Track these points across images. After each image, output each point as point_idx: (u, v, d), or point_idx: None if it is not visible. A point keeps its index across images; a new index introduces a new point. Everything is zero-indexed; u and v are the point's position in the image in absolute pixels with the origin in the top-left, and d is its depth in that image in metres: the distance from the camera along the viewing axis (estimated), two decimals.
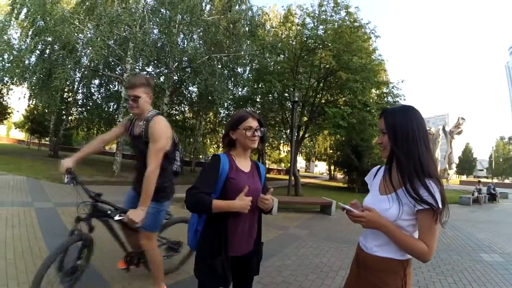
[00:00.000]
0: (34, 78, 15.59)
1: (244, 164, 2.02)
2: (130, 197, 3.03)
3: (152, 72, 18.49)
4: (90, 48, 14.13)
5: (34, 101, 22.14)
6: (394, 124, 1.48)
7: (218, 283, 1.83)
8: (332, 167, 42.45)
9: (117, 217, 2.53)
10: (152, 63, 17.97)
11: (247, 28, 18.29)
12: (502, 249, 6.84)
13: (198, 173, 2.11)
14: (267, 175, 2.33)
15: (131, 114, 2.96)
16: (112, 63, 17.14)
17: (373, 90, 17.52)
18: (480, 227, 9.70)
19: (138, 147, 2.81)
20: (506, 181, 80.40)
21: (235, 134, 1.98)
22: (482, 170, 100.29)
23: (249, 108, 18.37)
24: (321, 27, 15.86)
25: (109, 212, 2.64)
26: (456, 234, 8.14)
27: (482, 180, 24.96)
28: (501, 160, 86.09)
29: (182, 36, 17.59)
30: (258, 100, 20.05)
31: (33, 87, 16.55)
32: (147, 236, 2.88)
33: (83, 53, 17.19)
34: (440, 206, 1.35)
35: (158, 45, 16.77)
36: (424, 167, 1.40)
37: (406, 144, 1.43)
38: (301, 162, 67.92)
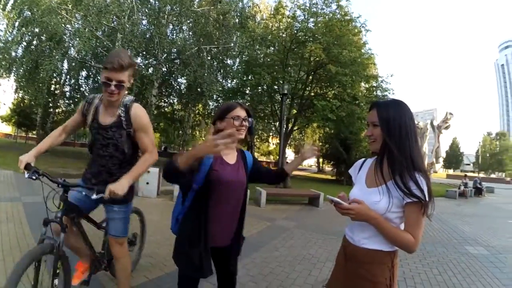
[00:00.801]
0: (21, 70, 15.35)
1: (230, 156, 1.98)
2: (81, 195, 2.38)
3: (141, 64, 18.30)
4: (77, 39, 13.85)
5: (20, 94, 21.77)
6: (388, 117, 1.49)
7: (195, 273, 1.82)
8: (321, 160, 42.65)
9: (94, 196, 2.05)
10: (141, 54, 17.72)
11: (237, 20, 18.08)
12: (487, 242, 6.95)
13: None
14: None
15: (90, 97, 2.43)
16: (100, 54, 16.88)
17: (362, 84, 17.66)
18: (466, 221, 9.86)
19: (112, 138, 2.31)
20: (493, 175, 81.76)
21: (222, 123, 1.92)
22: (469, 164, 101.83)
23: (238, 99, 18.31)
24: (311, 20, 15.90)
25: (83, 193, 2.20)
26: (442, 227, 8.26)
27: (469, 174, 25.33)
28: (487, 155, 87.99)
29: (171, 27, 17.43)
30: (247, 92, 19.94)
31: (19, 80, 16.29)
32: (120, 242, 2.56)
33: (70, 44, 16.88)
34: (428, 199, 1.37)
35: (147, 36, 16.55)
36: (415, 161, 1.43)
37: (399, 138, 1.45)
38: (290, 155, 68.05)
